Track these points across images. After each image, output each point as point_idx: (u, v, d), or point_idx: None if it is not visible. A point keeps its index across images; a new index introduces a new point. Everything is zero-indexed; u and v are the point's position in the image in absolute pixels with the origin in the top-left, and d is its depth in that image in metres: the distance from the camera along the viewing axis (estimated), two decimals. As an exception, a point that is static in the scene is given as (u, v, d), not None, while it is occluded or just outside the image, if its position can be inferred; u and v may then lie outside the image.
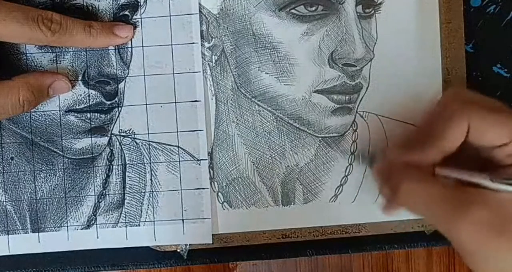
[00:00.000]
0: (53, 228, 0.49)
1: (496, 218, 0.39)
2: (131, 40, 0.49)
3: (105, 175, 0.50)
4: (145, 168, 0.50)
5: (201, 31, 0.49)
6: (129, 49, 0.49)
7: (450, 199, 0.40)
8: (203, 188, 0.49)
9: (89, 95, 0.49)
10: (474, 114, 0.41)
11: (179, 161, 0.49)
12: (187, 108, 0.49)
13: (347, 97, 0.50)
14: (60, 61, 0.49)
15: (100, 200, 0.50)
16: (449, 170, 0.42)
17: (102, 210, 0.50)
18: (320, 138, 0.50)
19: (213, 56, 0.50)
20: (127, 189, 0.50)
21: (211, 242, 0.50)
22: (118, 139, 0.50)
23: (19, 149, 0.49)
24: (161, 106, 0.49)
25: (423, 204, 0.42)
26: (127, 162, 0.50)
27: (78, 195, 0.50)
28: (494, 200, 0.40)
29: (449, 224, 0.40)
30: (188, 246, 0.50)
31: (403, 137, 0.48)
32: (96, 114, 0.49)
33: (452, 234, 0.40)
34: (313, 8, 0.49)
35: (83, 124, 0.49)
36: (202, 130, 0.49)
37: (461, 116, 0.41)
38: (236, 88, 0.50)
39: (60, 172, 0.49)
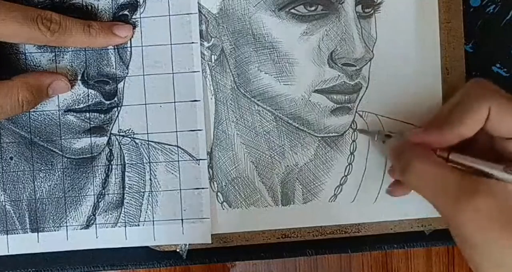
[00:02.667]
0: (52, 228, 0.49)
1: (501, 209, 0.39)
2: (130, 39, 0.49)
3: (105, 175, 0.50)
4: (144, 168, 0.50)
5: (201, 31, 0.49)
6: (129, 48, 0.49)
7: (457, 184, 0.40)
8: (203, 188, 0.49)
9: (88, 95, 0.49)
10: (495, 102, 0.41)
11: (179, 161, 0.49)
12: (186, 108, 0.49)
13: (346, 97, 0.50)
14: (59, 60, 0.49)
15: (100, 200, 0.50)
16: (464, 157, 0.42)
17: (101, 210, 0.50)
18: (319, 138, 0.50)
19: (213, 56, 0.50)
20: (127, 189, 0.50)
21: (210, 242, 0.50)
22: (117, 139, 0.50)
23: (18, 149, 0.49)
24: (161, 106, 0.49)
25: (429, 185, 0.41)
26: (127, 162, 0.50)
27: (77, 195, 0.49)
28: (502, 192, 0.39)
29: (452, 209, 0.40)
30: (187, 246, 0.50)
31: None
32: (95, 113, 0.49)
33: (454, 220, 0.40)
34: (313, 8, 0.49)
35: (83, 123, 0.49)
36: (202, 129, 0.49)
37: (482, 101, 0.42)
38: (235, 87, 0.50)
39: (60, 172, 0.49)
